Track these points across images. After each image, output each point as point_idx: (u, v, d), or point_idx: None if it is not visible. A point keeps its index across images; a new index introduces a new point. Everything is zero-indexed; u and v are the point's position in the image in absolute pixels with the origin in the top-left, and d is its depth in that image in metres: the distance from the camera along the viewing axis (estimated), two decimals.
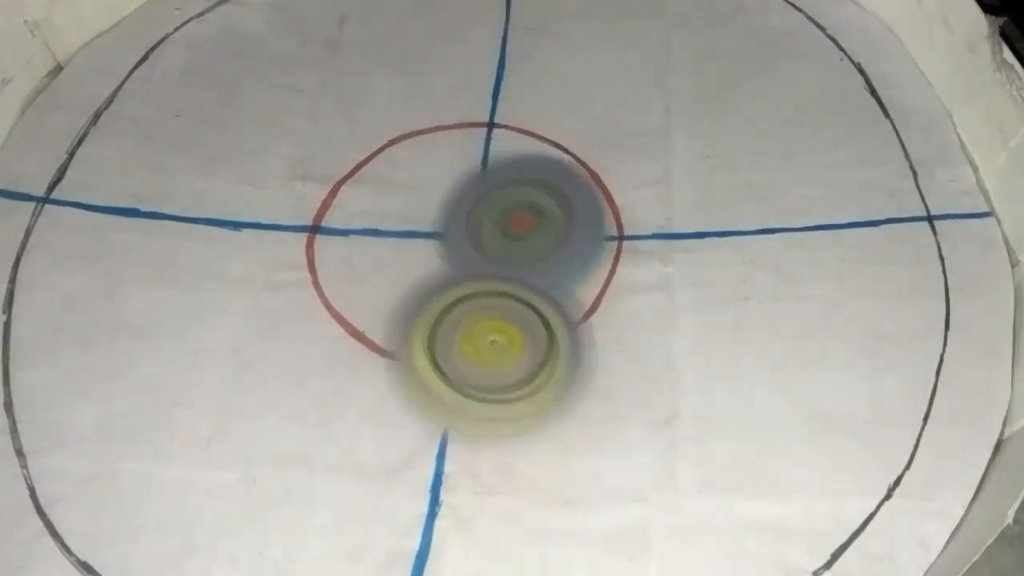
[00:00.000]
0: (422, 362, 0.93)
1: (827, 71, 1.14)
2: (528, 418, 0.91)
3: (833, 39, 1.17)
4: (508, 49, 1.17)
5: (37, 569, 0.84)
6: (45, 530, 0.85)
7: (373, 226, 1.04)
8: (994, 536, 0.76)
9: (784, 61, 1.15)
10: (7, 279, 0.99)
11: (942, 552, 0.83)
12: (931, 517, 0.85)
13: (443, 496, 0.87)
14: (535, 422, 0.91)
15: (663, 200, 1.04)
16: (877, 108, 1.11)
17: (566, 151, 1.08)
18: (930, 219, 1.02)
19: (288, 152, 1.09)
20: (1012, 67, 0.97)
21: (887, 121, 1.09)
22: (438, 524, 0.86)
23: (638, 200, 1.04)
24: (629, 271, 1.00)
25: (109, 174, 1.06)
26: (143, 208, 1.04)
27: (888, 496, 0.86)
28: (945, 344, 0.94)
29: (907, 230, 1.01)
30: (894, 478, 0.87)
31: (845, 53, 1.16)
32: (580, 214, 1.03)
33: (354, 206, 1.05)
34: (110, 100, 1.13)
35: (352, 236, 1.03)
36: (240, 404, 0.92)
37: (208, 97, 1.13)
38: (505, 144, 1.09)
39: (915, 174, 1.05)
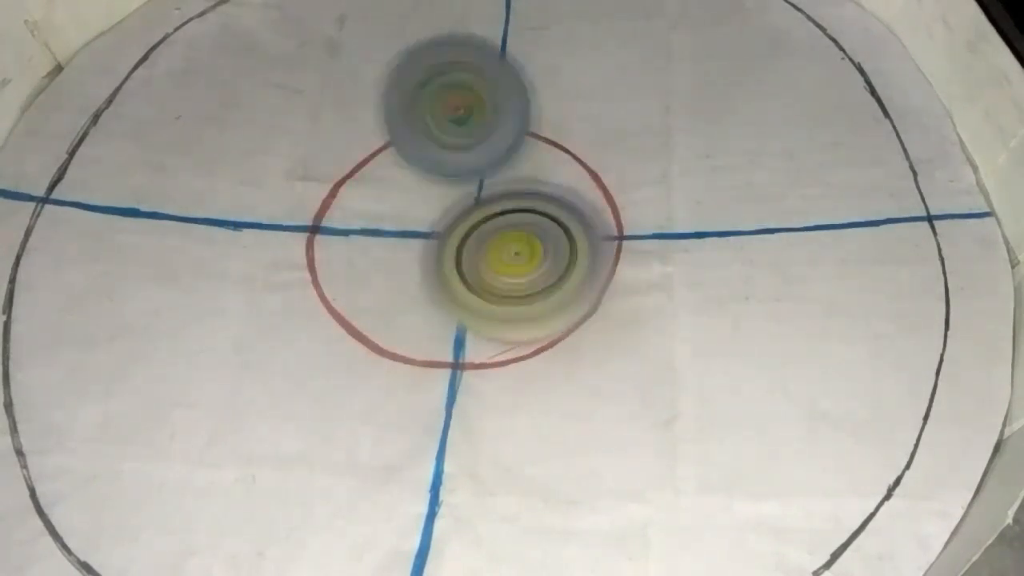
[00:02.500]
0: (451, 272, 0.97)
1: (827, 71, 1.14)
2: (542, 319, 0.94)
3: (833, 39, 1.17)
4: (508, 49, 1.17)
5: (37, 569, 0.84)
6: (45, 530, 0.85)
7: (373, 226, 1.04)
8: (994, 536, 0.76)
9: (784, 61, 1.15)
10: (7, 279, 0.99)
11: (942, 552, 0.83)
12: (931, 517, 0.85)
13: (443, 496, 0.87)
14: (549, 325, 0.94)
15: (663, 200, 1.04)
16: (877, 108, 1.11)
17: (566, 151, 1.08)
18: (930, 219, 1.02)
19: (288, 152, 1.09)
20: None
21: (887, 121, 1.09)
22: (438, 524, 0.86)
23: (638, 200, 1.04)
24: (629, 271, 1.00)
25: (109, 174, 1.06)
26: (143, 208, 1.04)
27: (888, 496, 0.86)
28: (945, 344, 0.94)
29: (907, 230, 1.01)
30: (894, 478, 0.87)
31: (845, 53, 1.15)
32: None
33: (354, 206, 1.05)
34: (110, 100, 1.13)
35: (352, 236, 1.03)
36: (240, 404, 0.92)
37: (208, 97, 1.13)
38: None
39: (915, 174, 1.05)
